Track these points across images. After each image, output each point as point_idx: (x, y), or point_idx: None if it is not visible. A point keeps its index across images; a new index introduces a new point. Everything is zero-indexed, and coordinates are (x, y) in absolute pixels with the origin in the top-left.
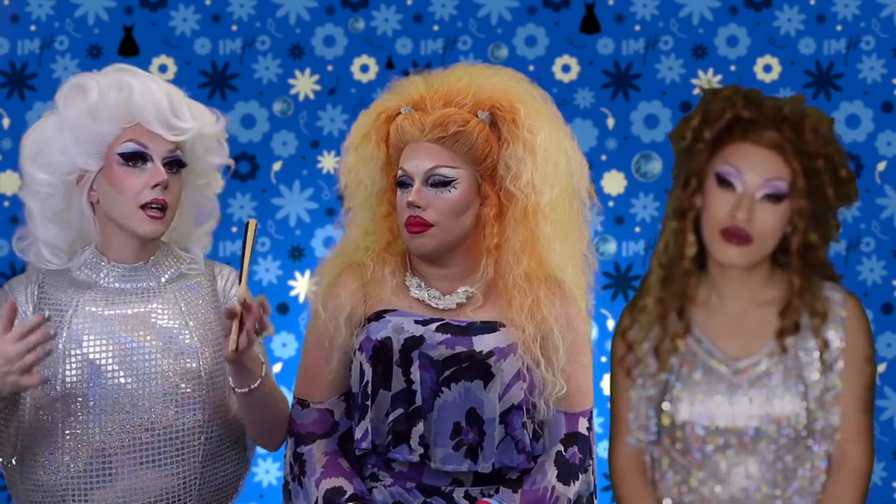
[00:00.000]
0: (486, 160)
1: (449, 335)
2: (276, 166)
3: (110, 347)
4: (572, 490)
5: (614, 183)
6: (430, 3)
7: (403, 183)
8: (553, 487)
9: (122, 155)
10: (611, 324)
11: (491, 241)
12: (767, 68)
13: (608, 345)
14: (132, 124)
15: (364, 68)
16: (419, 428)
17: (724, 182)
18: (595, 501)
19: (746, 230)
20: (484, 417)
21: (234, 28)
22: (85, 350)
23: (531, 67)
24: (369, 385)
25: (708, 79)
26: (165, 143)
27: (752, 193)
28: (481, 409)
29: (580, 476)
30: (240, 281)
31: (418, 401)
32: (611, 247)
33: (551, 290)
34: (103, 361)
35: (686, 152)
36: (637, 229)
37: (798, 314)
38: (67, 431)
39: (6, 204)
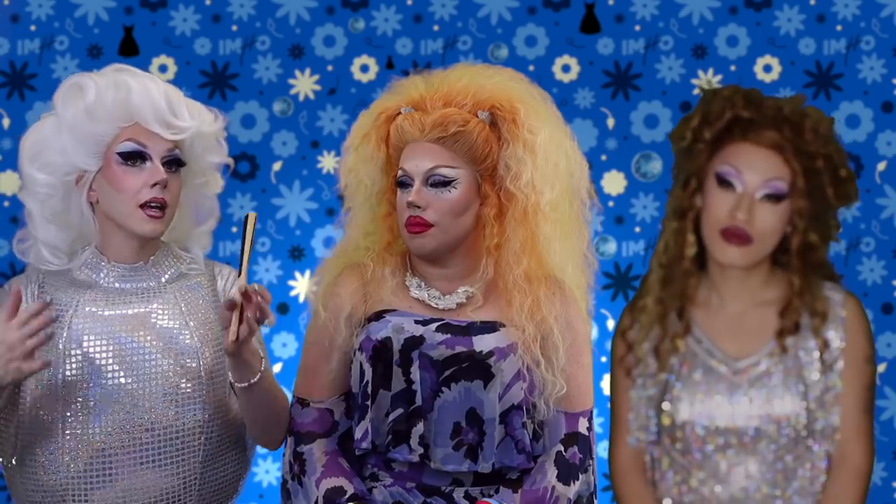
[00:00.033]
0: (486, 160)
1: (449, 335)
2: (276, 166)
3: (110, 347)
4: (572, 490)
5: (614, 183)
6: (430, 3)
7: (403, 183)
8: (553, 487)
9: (120, 154)
10: (611, 324)
11: (491, 241)
12: (767, 68)
13: (608, 345)
14: (130, 124)
15: (364, 68)
16: (419, 428)
17: (723, 182)
18: (595, 501)
19: (746, 230)
20: (484, 417)
21: (234, 28)
22: (85, 350)
23: (531, 67)
24: (369, 385)
25: (708, 79)
26: (164, 142)
27: (751, 193)
28: (481, 409)
29: (580, 476)
30: (239, 273)
31: (418, 401)
32: (611, 247)
33: (551, 290)
34: (103, 361)
35: (686, 152)
36: (637, 229)
37: (798, 314)
38: (67, 431)
39: (6, 204)
